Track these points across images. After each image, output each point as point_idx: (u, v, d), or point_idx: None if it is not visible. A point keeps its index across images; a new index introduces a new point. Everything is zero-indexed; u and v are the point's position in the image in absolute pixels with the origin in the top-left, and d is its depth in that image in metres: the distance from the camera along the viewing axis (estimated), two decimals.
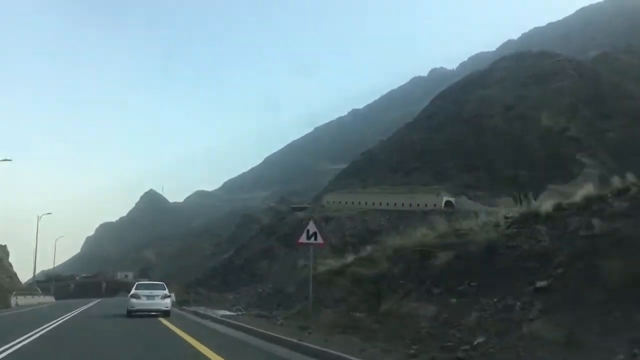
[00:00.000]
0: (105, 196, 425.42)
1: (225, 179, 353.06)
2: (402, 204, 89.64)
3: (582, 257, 7.22)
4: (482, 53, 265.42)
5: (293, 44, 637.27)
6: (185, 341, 11.58)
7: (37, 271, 72.56)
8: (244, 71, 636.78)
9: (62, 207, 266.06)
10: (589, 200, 8.20)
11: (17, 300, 36.63)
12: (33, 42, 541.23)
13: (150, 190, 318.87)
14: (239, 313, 20.65)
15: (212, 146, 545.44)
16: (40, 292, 55.84)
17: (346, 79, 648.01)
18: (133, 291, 21.52)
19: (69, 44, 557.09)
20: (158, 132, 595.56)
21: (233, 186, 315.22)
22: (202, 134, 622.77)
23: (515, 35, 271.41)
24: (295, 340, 9.96)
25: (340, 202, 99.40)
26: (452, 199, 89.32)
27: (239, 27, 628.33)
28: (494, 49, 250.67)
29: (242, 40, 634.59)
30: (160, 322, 17.90)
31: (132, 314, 20.45)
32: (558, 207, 8.84)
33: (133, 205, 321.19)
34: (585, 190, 8.51)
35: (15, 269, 59.13)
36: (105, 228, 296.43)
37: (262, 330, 12.34)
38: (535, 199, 11.33)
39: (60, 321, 18.47)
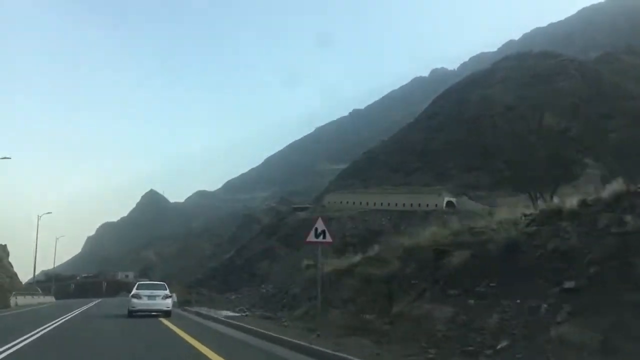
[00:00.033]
0: (106, 196, 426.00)
1: (226, 180, 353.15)
2: (403, 204, 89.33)
3: (615, 256, 6.82)
4: (483, 53, 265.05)
5: (293, 43, 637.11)
6: (196, 348, 11.07)
7: (38, 271, 72.39)
8: (244, 72, 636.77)
9: (63, 207, 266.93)
10: (618, 196, 7.80)
11: (16, 300, 36.28)
12: (33, 42, 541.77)
13: (151, 190, 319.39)
14: (243, 314, 20.26)
15: (213, 146, 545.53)
16: (40, 292, 55.53)
17: (347, 79, 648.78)
18: (134, 291, 21.43)
19: (69, 44, 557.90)
20: (159, 132, 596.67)
21: (234, 186, 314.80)
22: (203, 134, 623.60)
23: (516, 35, 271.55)
24: (305, 344, 9.57)
25: (341, 202, 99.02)
26: (453, 199, 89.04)
27: (239, 29, 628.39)
28: (495, 49, 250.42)
29: (240, 44, 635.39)
30: (161, 322, 17.61)
31: (133, 314, 20.31)
32: (583, 204, 8.44)
33: (134, 205, 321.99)
34: (614, 186, 8.10)
35: (16, 268, 58.73)
36: (106, 228, 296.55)
37: (270, 333, 11.96)
38: (551, 198, 10.92)
39: (61, 321, 18.27)
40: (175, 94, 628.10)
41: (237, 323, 15.74)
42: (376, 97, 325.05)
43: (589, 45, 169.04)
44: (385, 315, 11.28)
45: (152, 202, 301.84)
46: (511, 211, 11.94)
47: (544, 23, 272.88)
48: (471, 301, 8.80)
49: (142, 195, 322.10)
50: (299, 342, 9.87)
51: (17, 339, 11.31)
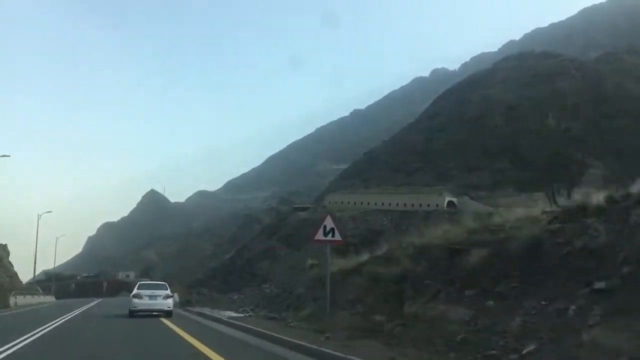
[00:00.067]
0: (107, 196, 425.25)
1: (227, 179, 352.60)
2: (405, 204, 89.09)
3: None
4: (484, 53, 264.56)
5: (293, 44, 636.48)
6: (202, 352, 10.64)
7: (38, 271, 72.05)
8: (244, 72, 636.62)
9: (64, 207, 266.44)
10: None
11: (16, 300, 35.97)
12: (33, 42, 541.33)
13: (152, 190, 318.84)
14: (247, 315, 19.89)
15: (213, 146, 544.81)
16: (40, 291, 55.20)
17: (348, 79, 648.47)
18: (135, 291, 21.32)
19: (69, 44, 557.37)
20: (159, 132, 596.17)
21: (234, 186, 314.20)
22: (203, 133, 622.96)
23: (517, 35, 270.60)
24: (315, 347, 9.18)
25: (342, 202, 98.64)
26: (454, 199, 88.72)
27: (239, 29, 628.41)
28: (496, 50, 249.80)
29: (240, 44, 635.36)
30: (161, 322, 17.30)
31: (134, 314, 20.16)
32: (610, 200, 8.05)
33: (134, 205, 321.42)
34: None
35: (16, 268, 58.47)
36: (106, 228, 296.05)
37: (277, 335, 11.54)
38: (569, 195, 10.52)
39: (61, 321, 18.08)
40: (175, 94, 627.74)
41: (242, 324, 15.35)
42: (377, 97, 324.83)
43: (589, 45, 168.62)
44: (396, 317, 10.87)
45: (153, 202, 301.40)
46: (528, 209, 11.50)
47: (544, 23, 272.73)
48: (490, 302, 8.39)
49: (142, 195, 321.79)
50: (309, 345, 9.47)
51: (17, 338, 11.18)
